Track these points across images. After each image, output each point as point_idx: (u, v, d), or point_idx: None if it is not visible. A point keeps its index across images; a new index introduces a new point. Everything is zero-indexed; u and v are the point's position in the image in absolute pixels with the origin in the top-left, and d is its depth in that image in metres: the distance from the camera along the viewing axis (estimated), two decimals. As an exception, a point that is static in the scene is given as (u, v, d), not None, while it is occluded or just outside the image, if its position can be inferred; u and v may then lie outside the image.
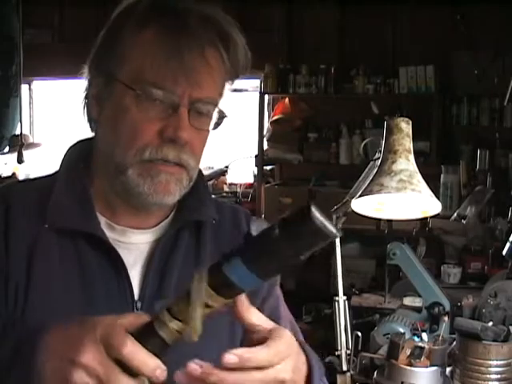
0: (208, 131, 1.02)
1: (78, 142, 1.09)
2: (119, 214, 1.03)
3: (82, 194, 1.02)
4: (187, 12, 0.95)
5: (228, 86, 1.03)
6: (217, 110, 1.00)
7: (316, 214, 0.70)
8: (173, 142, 0.96)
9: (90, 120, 1.03)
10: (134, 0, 0.99)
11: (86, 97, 1.02)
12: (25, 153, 4.38)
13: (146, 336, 0.74)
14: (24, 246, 0.98)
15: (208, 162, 5.23)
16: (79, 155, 1.07)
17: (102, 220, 1.02)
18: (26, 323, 0.94)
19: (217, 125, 1.02)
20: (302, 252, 0.72)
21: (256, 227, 0.72)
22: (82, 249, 1.00)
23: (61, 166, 1.07)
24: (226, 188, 5.40)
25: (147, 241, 1.05)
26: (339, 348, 1.69)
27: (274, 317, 1.03)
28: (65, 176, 1.04)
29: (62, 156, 1.08)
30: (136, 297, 1.01)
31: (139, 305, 1.01)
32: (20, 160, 4.36)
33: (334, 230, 0.70)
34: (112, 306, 0.98)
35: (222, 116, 1.01)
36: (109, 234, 1.02)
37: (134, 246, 1.04)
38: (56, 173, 1.06)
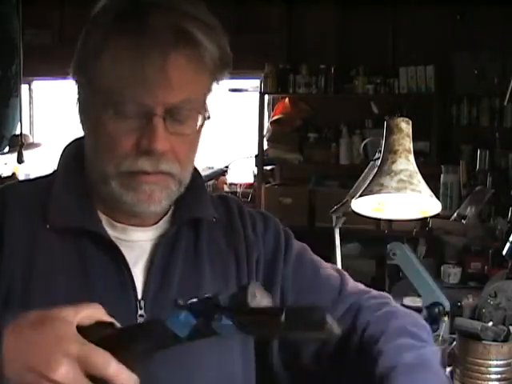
0: (194, 134, 1.00)
1: (73, 141, 1.09)
2: (118, 212, 1.03)
3: (82, 192, 1.02)
4: (149, 17, 0.92)
5: (212, 85, 1.00)
6: (198, 111, 0.98)
7: (328, 323, 0.71)
8: (148, 154, 0.94)
9: (80, 122, 1.03)
10: (102, 6, 0.97)
11: (76, 100, 1.02)
12: (25, 153, 4.38)
13: (119, 348, 0.76)
14: (22, 246, 0.98)
15: (208, 162, 5.23)
16: (75, 154, 1.06)
17: (103, 218, 1.03)
18: None
19: (200, 126, 0.99)
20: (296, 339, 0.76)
21: (251, 292, 0.73)
22: (84, 247, 1.00)
23: (58, 165, 1.07)
24: (226, 188, 5.41)
25: (148, 238, 1.05)
26: (339, 348, 1.69)
27: (300, 277, 1.10)
28: (63, 175, 1.04)
29: (59, 155, 1.08)
30: (139, 296, 1.01)
31: (142, 304, 1.00)
32: (20, 160, 4.36)
33: (339, 331, 0.72)
34: (115, 306, 0.98)
35: (204, 117, 0.99)
36: (110, 231, 1.02)
37: (136, 244, 1.04)
38: (54, 172, 1.06)
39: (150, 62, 0.91)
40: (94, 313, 0.80)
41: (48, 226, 0.99)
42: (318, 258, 1.19)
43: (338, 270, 1.18)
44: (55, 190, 1.02)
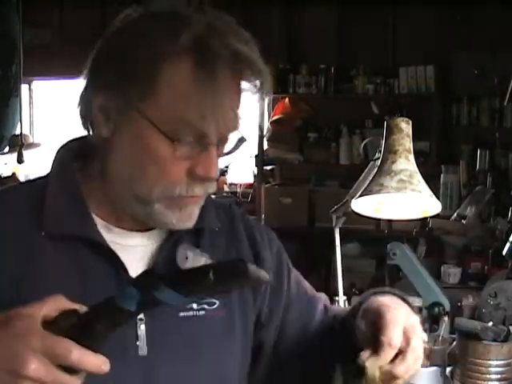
0: None
1: (69, 142, 1.07)
2: (117, 216, 1.02)
3: (76, 196, 1.00)
4: (218, 45, 0.90)
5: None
6: (238, 135, 0.98)
7: (251, 271, 0.76)
8: (203, 180, 0.94)
9: (92, 128, 1.00)
10: (161, 24, 0.93)
11: (87, 104, 0.98)
12: (25, 153, 4.38)
13: (81, 333, 0.78)
14: (18, 253, 0.96)
15: (208, 162, 5.22)
16: (72, 155, 1.04)
17: (99, 222, 1.01)
18: None
19: (236, 148, 1.00)
20: (233, 290, 0.83)
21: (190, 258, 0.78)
22: (80, 252, 0.98)
23: (52, 167, 1.04)
24: (226, 188, 5.40)
25: (145, 243, 1.04)
26: (339, 348, 1.69)
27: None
28: (57, 178, 1.02)
29: (54, 157, 1.05)
30: None
31: None
32: (20, 160, 4.36)
33: (266, 276, 0.79)
34: None
35: (241, 140, 0.99)
36: (106, 236, 1.00)
37: (132, 249, 1.02)
38: (48, 175, 1.04)
39: (219, 91, 0.90)
40: (58, 303, 0.80)
41: (43, 233, 0.98)
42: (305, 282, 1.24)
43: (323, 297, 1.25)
44: (49, 194, 1.00)
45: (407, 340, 0.97)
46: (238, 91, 0.94)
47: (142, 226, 1.03)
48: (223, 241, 1.10)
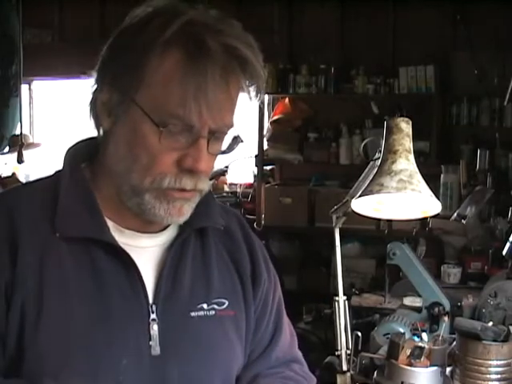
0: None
1: (78, 143, 1.08)
2: (127, 218, 1.03)
3: (89, 199, 1.02)
4: (206, 38, 0.92)
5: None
6: (233, 134, 1.00)
7: None
8: (191, 172, 0.96)
9: (97, 125, 1.02)
10: (150, 20, 0.95)
11: (94, 100, 1.00)
12: (25, 153, 4.38)
13: None
14: (33, 257, 0.97)
15: (208, 162, 5.22)
16: (81, 156, 1.06)
17: (111, 224, 1.02)
18: (41, 337, 0.94)
19: (231, 148, 1.01)
20: None
21: None
22: (94, 255, 1.00)
23: (63, 168, 1.05)
24: (226, 188, 5.40)
25: (155, 244, 1.06)
26: (339, 348, 1.69)
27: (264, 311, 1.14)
28: (68, 180, 1.03)
29: (63, 157, 1.06)
30: (151, 300, 1.02)
31: (154, 308, 1.01)
32: (20, 160, 4.36)
33: None
34: (128, 312, 0.99)
35: (238, 141, 1.01)
36: (118, 238, 1.02)
37: (143, 250, 1.04)
38: (58, 174, 1.05)
39: (211, 83, 0.91)
40: None
41: (58, 235, 0.99)
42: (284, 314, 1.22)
43: (291, 334, 1.23)
44: (61, 196, 1.01)
45: None
46: (229, 88, 0.94)
47: (149, 228, 1.05)
48: (225, 242, 1.12)
